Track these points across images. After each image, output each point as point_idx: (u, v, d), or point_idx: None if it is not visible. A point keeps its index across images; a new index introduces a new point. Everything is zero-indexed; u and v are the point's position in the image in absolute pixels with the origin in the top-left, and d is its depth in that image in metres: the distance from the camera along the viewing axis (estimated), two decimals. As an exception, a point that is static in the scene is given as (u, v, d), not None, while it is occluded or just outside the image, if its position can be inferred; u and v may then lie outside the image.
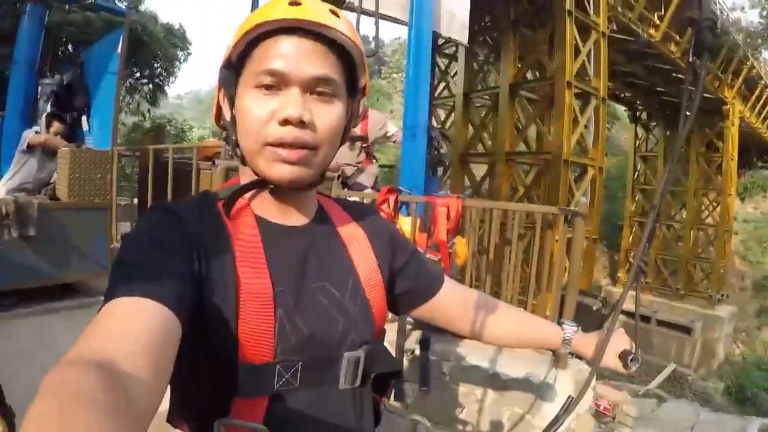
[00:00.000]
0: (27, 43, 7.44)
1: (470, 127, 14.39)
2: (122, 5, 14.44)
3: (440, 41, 13.48)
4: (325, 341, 0.99)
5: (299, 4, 0.93)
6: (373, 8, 4.60)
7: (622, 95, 22.59)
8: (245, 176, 1.05)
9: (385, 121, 5.98)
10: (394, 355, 3.66)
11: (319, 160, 0.99)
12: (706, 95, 17.26)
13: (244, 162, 1.01)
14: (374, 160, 6.02)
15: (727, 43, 18.16)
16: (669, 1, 14.91)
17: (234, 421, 0.89)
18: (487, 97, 14.28)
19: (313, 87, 0.95)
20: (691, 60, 1.06)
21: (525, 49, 12.76)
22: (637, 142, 24.76)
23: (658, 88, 20.10)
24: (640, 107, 23.96)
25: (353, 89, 1.05)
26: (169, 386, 0.95)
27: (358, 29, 0.98)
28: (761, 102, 23.17)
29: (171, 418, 1.03)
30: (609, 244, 27.16)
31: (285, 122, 0.93)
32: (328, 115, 0.97)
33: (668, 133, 23.05)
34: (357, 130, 5.58)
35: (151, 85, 18.11)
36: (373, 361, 1.04)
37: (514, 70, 12.60)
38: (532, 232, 4.94)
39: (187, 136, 23.21)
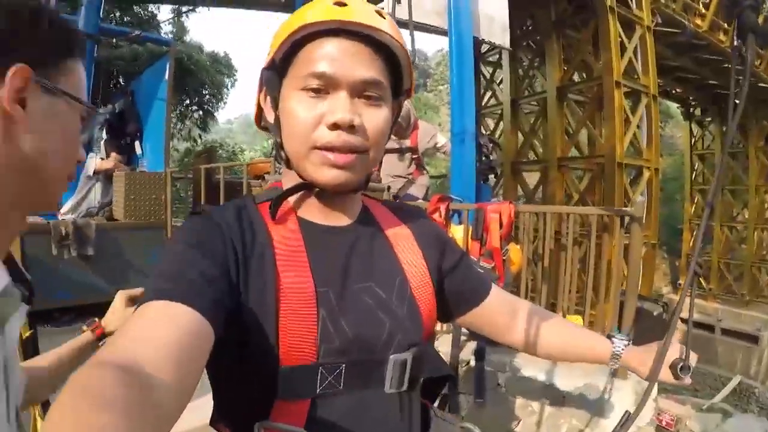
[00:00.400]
0: None
1: (520, 134, 14.22)
2: (167, 37, 14.99)
3: (483, 49, 13.40)
4: (370, 343, 0.96)
5: (345, 4, 0.92)
6: (406, 17, 4.59)
7: (673, 91, 21.87)
8: (288, 179, 1.04)
9: (434, 132, 5.96)
10: (448, 364, 3.61)
11: (366, 163, 0.99)
12: (761, 84, 16.60)
13: (288, 164, 1.00)
14: (425, 171, 5.99)
15: (779, 22, 17.45)
16: (713, -14, 14.48)
17: (275, 424, 0.87)
18: (535, 103, 14.08)
19: (361, 90, 0.95)
20: (735, 44, 0.99)
21: (569, 51, 12.58)
22: (693, 140, 23.81)
23: (710, 81, 19.34)
24: (692, 103, 23.02)
25: (397, 91, 1.05)
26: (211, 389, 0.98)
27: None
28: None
29: (213, 421, 1.03)
30: (669, 249, 26.33)
31: (334, 126, 0.92)
32: (376, 118, 0.97)
33: (724, 128, 22.23)
34: (407, 141, 5.58)
35: (200, 112, 18.66)
36: (421, 365, 1.00)
37: (560, 73, 12.39)
38: (588, 239, 4.81)
39: (238, 158, 23.72)
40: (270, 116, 1.01)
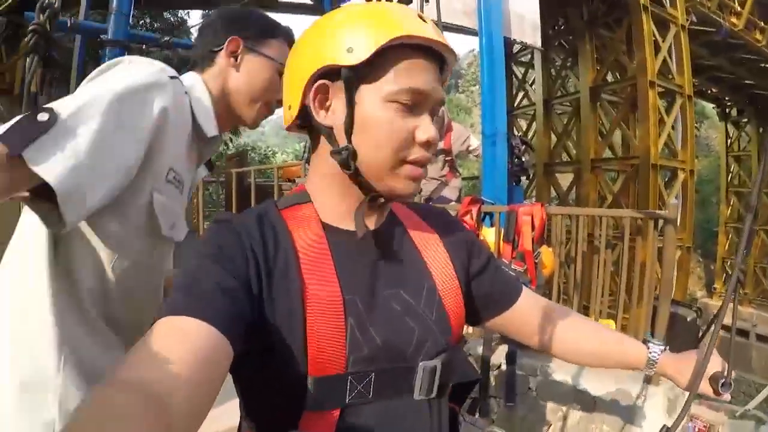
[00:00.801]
0: None
1: (552, 135, 14.14)
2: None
3: (515, 49, 13.34)
4: (399, 350, 0.93)
5: (425, 21, 0.92)
6: (434, 17, 4.57)
7: (709, 91, 21.52)
8: (318, 184, 1.01)
9: (467, 134, 5.94)
10: (479, 369, 3.61)
11: None
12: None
13: (357, 173, 0.94)
14: (458, 174, 5.96)
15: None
16: (749, -15, 14.21)
17: None
18: (568, 103, 14.02)
19: (435, 110, 0.96)
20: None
21: (603, 51, 12.49)
22: (729, 142, 23.37)
23: (746, 81, 19.08)
24: (728, 103, 22.60)
25: None
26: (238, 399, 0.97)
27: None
28: None
29: (240, 430, 1.02)
30: (704, 252, 25.87)
31: (426, 144, 0.93)
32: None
33: (761, 129, 21.80)
34: (440, 144, 5.55)
35: (232, 116, 18.88)
36: (450, 371, 0.98)
37: (593, 73, 12.29)
38: (621, 242, 4.75)
39: (270, 161, 23.88)
40: (326, 119, 0.95)
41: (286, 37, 1.48)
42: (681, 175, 11.25)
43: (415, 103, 0.92)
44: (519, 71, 15.31)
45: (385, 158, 0.91)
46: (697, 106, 18.65)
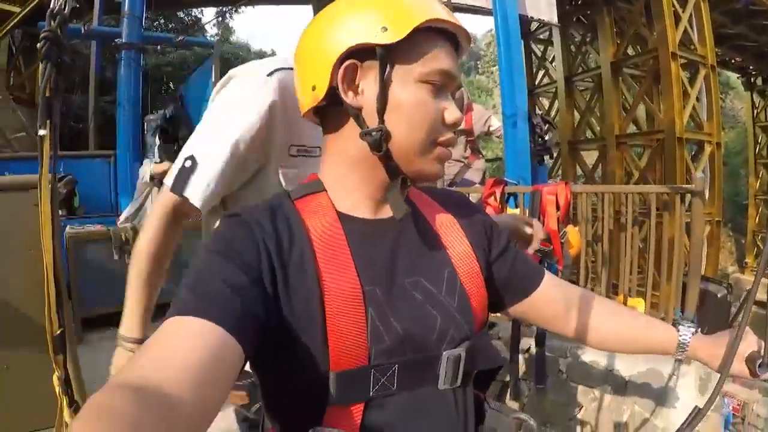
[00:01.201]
0: (127, 87, 8.26)
1: (576, 112, 13.97)
2: (213, 39, 15.29)
3: (533, 27, 13.19)
4: (422, 340, 0.92)
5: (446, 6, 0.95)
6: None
7: (732, 61, 20.96)
8: (332, 171, 1.00)
9: (488, 115, 5.91)
10: (508, 352, 3.59)
11: None
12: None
13: (388, 155, 0.93)
14: (480, 155, 5.92)
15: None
16: (770, -51, 13.82)
17: (327, 430, 0.84)
18: (590, 80, 13.78)
19: (454, 93, 1.00)
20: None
21: (622, 24, 12.26)
22: (755, 112, 22.76)
23: (770, 48, 18.66)
24: (753, 72, 21.98)
25: None
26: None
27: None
28: None
29: (263, 427, 1.02)
30: (734, 226, 25.32)
31: (453, 125, 0.95)
32: None
33: (788, 97, 21.28)
34: (462, 124, 5.50)
35: (249, 111, 18.96)
36: (475, 358, 0.97)
37: (614, 48, 12.07)
38: (649, 218, 4.68)
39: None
40: (354, 100, 0.93)
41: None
42: (708, 148, 11.03)
43: (443, 85, 0.94)
44: (538, 49, 15.14)
45: (419, 139, 0.92)
46: (721, 76, 18.29)
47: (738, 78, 24.26)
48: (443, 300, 0.96)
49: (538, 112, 12.63)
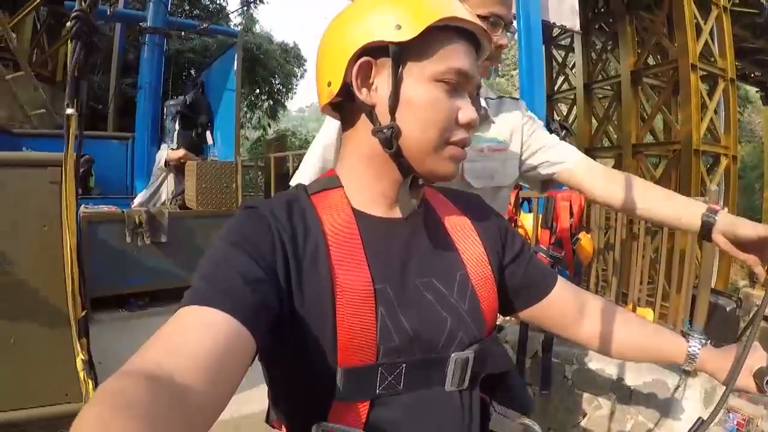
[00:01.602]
0: (149, 70, 8.33)
1: (593, 119, 13.90)
2: (236, 28, 15.32)
3: (554, 32, 13.15)
4: (431, 341, 0.92)
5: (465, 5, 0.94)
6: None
7: (752, 75, 20.76)
8: (349, 168, 1.00)
9: None
10: (515, 356, 3.59)
11: None
12: None
13: (399, 153, 0.93)
14: None
15: None
16: (793, -35, 13.67)
17: (333, 426, 0.84)
18: (609, 87, 13.74)
19: (473, 94, 0.97)
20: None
21: (643, 34, 12.20)
22: (773, 127, 22.75)
23: (790, 64, 18.46)
24: (772, 87, 21.98)
25: None
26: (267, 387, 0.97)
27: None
28: None
29: (269, 419, 1.02)
30: (747, 240, 25.08)
31: (468, 125, 0.94)
32: None
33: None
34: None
35: (270, 101, 18.90)
36: (483, 362, 0.97)
37: (634, 57, 12.03)
38: (661, 229, 4.65)
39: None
40: (368, 97, 0.93)
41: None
42: (724, 161, 10.96)
43: (458, 85, 0.92)
44: (559, 55, 15.09)
45: (430, 138, 0.91)
46: (740, 90, 18.14)
47: (757, 92, 24.09)
48: (454, 302, 0.96)
49: (556, 117, 12.58)
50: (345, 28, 0.94)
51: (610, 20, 13.34)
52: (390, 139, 0.90)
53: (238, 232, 0.86)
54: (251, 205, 0.93)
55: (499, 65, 45.32)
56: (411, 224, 0.99)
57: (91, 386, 1.80)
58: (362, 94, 0.92)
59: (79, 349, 1.51)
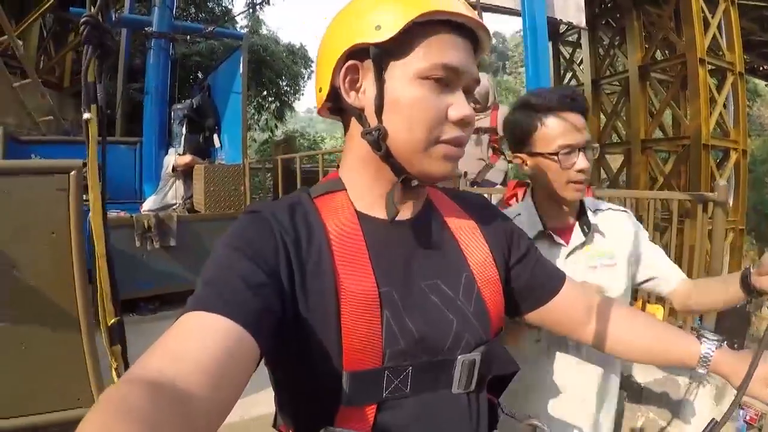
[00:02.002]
0: (155, 75, 8.33)
1: (602, 115, 13.86)
2: (242, 31, 15.34)
3: (561, 29, 13.11)
4: (437, 343, 0.92)
5: None
6: (479, -1, 4.50)
7: (761, 68, 20.69)
8: (353, 171, 1.00)
9: None
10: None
11: None
12: None
13: (388, 154, 0.92)
14: (502, 155, 5.85)
15: None
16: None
17: (339, 430, 0.84)
18: (617, 83, 13.69)
19: (470, 88, 0.95)
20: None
21: (651, 28, 12.14)
22: (783, 120, 22.61)
23: (799, 57, 18.32)
24: (780, 80, 21.84)
25: None
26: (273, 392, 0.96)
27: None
28: None
29: (276, 424, 1.01)
30: (758, 235, 24.89)
31: (461, 122, 0.91)
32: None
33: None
34: (486, 122, 5.45)
35: (277, 103, 18.91)
36: (489, 364, 0.97)
37: (642, 52, 11.98)
38: (671, 224, 4.63)
39: (319, 146, 23.95)
40: (356, 100, 0.93)
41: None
42: (733, 155, 10.89)
43: (448, 81, 0.90)
44: (566, 51, 15.06)
45: (417, 138, 0.89)
46: (748, 83, 18.01)
47: (766, 86, 23.96)
48: (460, 304, 0.96)
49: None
50: (332, 33, 0.94)
51: (617, 15, 13.29)
52: (378, 141, 0.90)
53: (241, 237, 0.86)
54: (254, 209, 0.93)
55: (507, 63, 45.28)
56: (415, 226, 0.99)
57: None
58: (350, 98, 0.92)
59: (111, 357, 1.50)
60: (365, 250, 0.91)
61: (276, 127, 20.18)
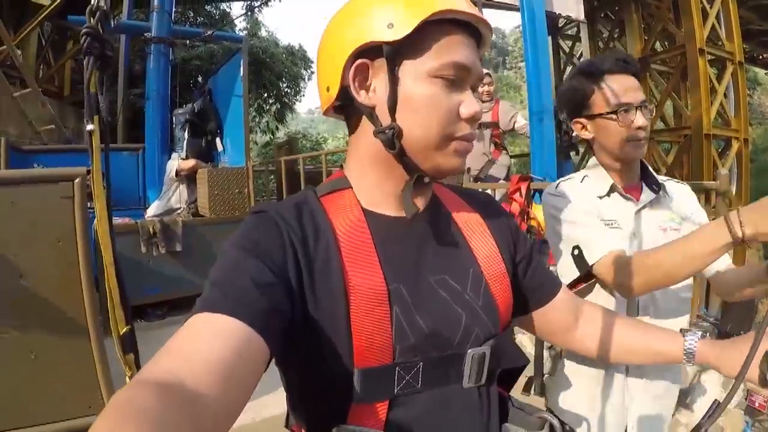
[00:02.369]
0: (155, 80, 8.36)
1: (603, 108, 13.81)
2: (241, 33, 15.33)
3: (560, 23, 13.09)
4: (447, 338, 0.91)
5: None
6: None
7: (760, 57, 20.66)
8: (359, 169, 0.99)
9: (514, 112, 5.82)
10: (533, 347, 3.55)
11: None
12: None
13: (402, 152, 0.92)
14: (504, 151, 5.85)
15: None
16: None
17: (353, 428, 0.84)
18: (617, 75, 13.63)
19: (476, 86, 0.95)
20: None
21: (649, 20, 12.11)
22: (783, 108, 22.55)
23: (797, 45, 18.29)
24: (780, 69, 21.78)
25: None
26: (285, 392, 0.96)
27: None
28: None
29: (288, 424, 1.01)
30: (762, 225, 24.83)
31: (472, 119, 0.91)
32: None
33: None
34: (487, 117, 5.46)
35: (278, 104, 18.90)
36: (499, 357, 0.97)
37: (641, 44, 11.93)
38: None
39: (321, 147, 23.90)
40: (367, 98, 0.92)
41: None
42: (735, 145, 10.84)
43: (458, 79, 0.90)
44: (566, 45, 14.98)
45: (432, 135, 0.89)
46: (748, 72, 17.95)
47: (766, 74, 23.90)
48: (468, 298, 0.96)
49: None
50: (339, 31, 0.93)
51: (616, 8, 13.25)
52: (392, 140, 0.89)
53: (248, 237, 0.85)
54: (260, 209, 0.93)
55: (507, 58, 45.24)
56: (422, 222, 0.99)
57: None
58: (361, 97, 0.92)
59: (125, 366, 1.50)
60: (373, 247, 0.91)
61: (277, 128, 20.17)
